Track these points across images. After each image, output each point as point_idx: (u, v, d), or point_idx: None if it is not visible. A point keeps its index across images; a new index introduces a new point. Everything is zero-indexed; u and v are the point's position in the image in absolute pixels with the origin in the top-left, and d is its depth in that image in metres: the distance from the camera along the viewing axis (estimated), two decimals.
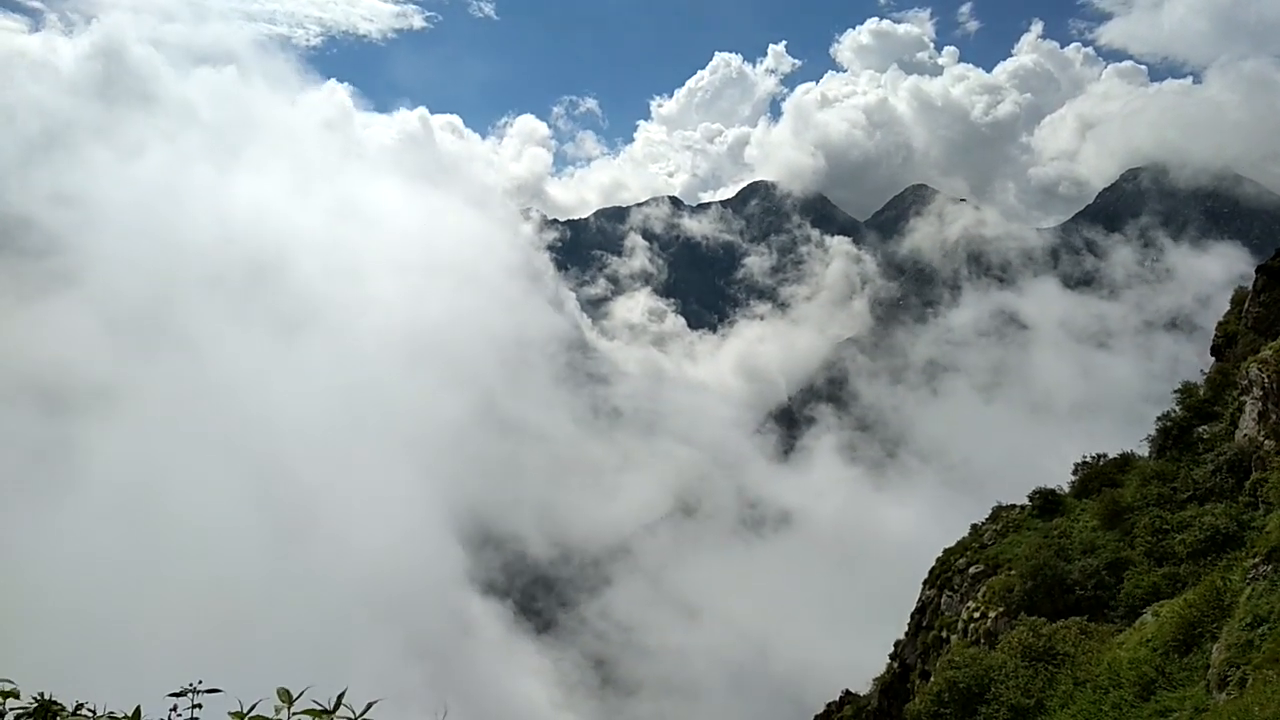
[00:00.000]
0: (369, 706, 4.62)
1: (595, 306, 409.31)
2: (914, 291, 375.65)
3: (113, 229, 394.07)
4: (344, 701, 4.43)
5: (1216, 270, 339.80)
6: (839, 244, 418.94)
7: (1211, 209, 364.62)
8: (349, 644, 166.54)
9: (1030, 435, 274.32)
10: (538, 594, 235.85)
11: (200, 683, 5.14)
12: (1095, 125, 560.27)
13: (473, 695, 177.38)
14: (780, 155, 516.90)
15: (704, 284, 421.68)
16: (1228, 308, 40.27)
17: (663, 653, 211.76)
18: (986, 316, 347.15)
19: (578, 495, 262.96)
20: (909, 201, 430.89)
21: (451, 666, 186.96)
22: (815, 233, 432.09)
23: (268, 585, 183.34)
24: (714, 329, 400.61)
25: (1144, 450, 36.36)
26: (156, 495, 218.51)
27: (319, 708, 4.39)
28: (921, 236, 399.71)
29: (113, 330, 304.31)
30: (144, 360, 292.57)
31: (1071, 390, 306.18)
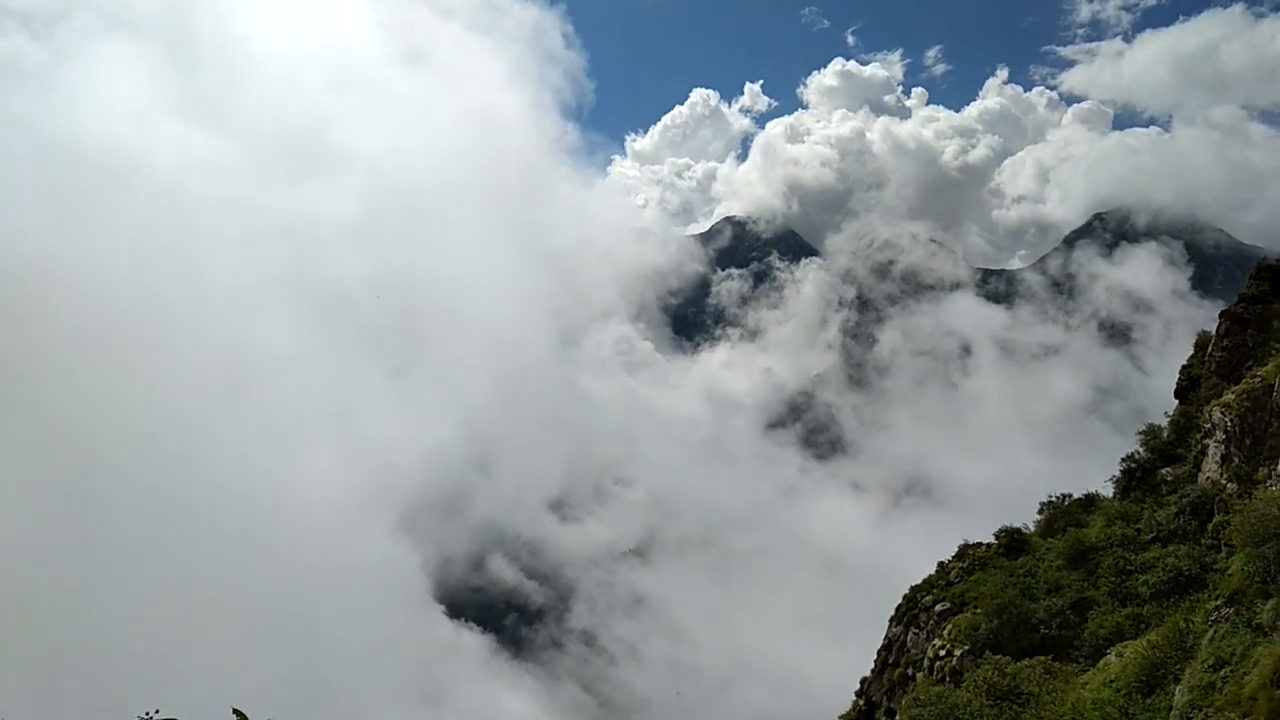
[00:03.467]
0: None
1: (566, 333, 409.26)
2: (882, 321, 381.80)
3: None
4: None
5: (1145, 280, 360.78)
6: (808, 274, 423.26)
7: (1175, 256, 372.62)
8: (328, 685, 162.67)
9: (1004, 452, 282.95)
10: (512, 620, 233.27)
11: (157, 712, 5.01)
12: (1060, 171, 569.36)
13: None
14: (750, 190, 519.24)
15: (675, 312, 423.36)
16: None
17: (646, 675, 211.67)
18: (953, 347, 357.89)
19: (548, 524, 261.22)
20: (878, 237, 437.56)
21: (438, 699, 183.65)
22: (785, 263, 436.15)
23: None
24: (685, 355, 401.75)
25: (1108, 490, 36.65)
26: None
27: None
28: (885, 269, 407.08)
29: None
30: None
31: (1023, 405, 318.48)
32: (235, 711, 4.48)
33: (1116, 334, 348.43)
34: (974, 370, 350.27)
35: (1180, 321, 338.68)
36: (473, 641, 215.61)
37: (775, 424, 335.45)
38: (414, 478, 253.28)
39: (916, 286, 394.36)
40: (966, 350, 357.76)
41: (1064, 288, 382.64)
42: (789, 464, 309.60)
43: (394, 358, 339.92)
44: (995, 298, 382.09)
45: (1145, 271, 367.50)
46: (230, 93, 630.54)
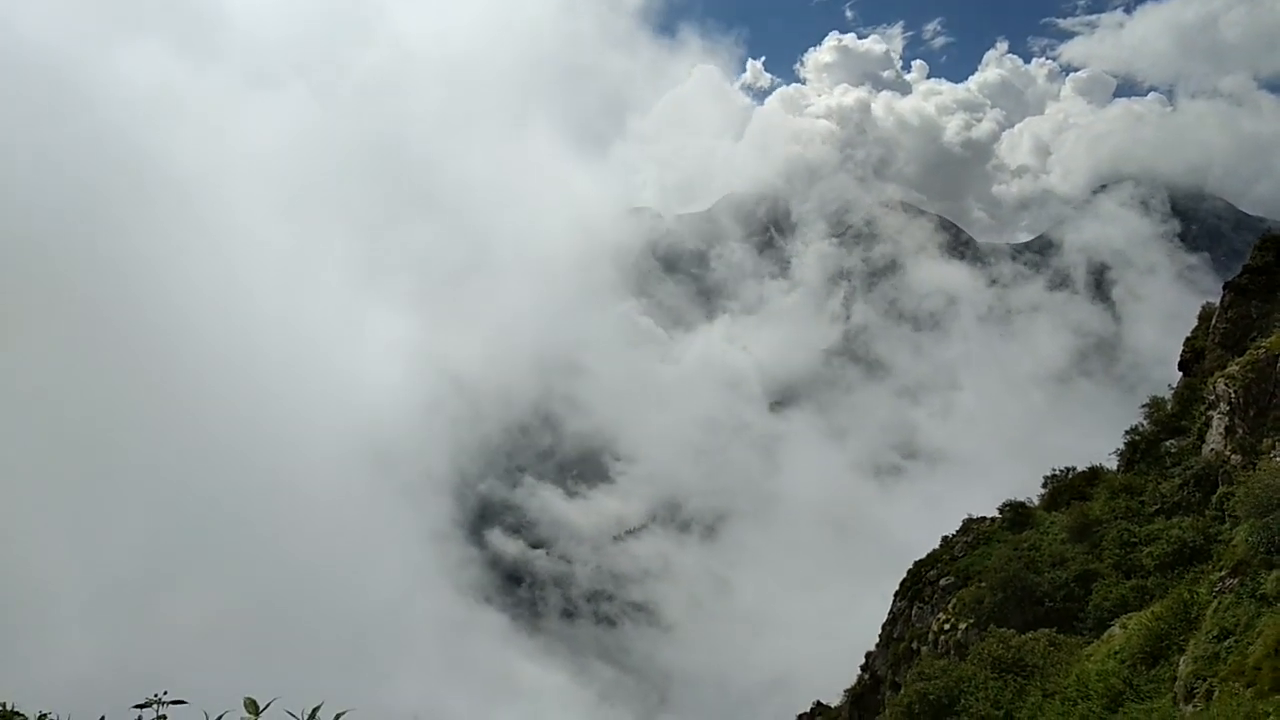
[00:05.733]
0: (337, 717, 4.47)
1: (567, 310, 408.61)
2: (866, 288, 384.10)
3: None
4: (318, 714, 4.29)
5: (1116, 230, 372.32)
6: (809, 247, 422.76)
7: (1179, 225, 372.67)
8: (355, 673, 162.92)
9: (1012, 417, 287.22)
10: (524, 595, 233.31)
11: (165, 693, 5.00)
12: (1062, 142, 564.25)
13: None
14: (750, 166, 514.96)
15: (675, 288, 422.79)
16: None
17: (672, 647, 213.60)
18: (939, 310, 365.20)
19: (551, 498, 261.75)
20: (879, 214, 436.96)
21: (464, 673, 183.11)
22: (784, 237, 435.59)
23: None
24: (686, 330, 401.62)
25: (1112, 463, 36.71)
26: None
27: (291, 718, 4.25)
28: (890, 245, 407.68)
29: None
30: None
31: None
32: (247, 701, 4.49)
33: (1096, 285, 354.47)
34: (959, 332, 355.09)
35: (1159, 267, 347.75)
36: (489, 616, 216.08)
37: (775, 395, 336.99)
38: (407, 445, 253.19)
39: (892, 250, 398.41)
40: (950, 313, 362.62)
41: (1037, 246, 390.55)
42: (789, 433, 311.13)
43: (387, 315, 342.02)
44: (972, 257, 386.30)
45: (1115, 222, 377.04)
46: None
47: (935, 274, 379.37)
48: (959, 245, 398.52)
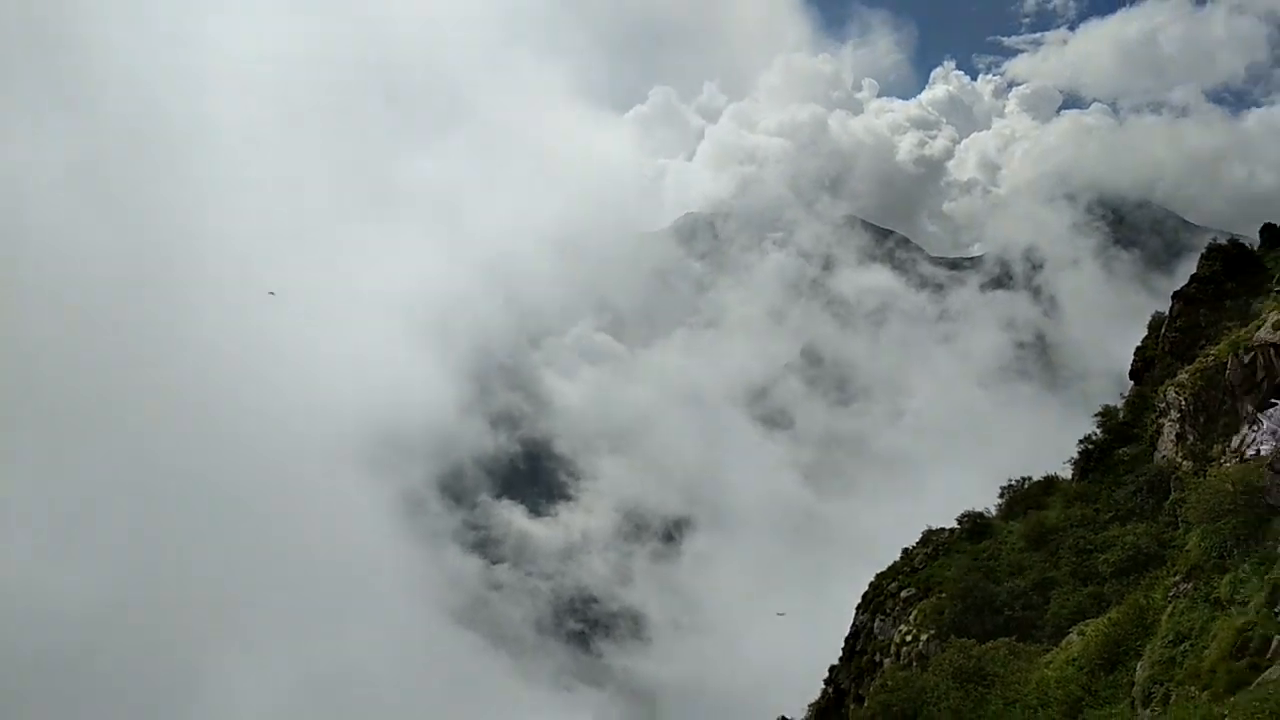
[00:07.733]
0: None
1: (525, 329, 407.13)
2: (840, 309, 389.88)
3: None
4: None
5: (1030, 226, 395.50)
6: (766, 262, 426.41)
7: (1126, 238, 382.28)
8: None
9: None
10: (493, 616, 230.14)
11: None
12: (1010, 156, 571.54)
13: None
14: (705, 184, 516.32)
15: (634, 305, 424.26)
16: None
17: (656, 662, 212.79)
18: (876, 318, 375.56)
19: (513, 517, 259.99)
20: (830, 228, 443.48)
21: (442, 699, 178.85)
22: (740, 253, 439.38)
23: None
24: (646, 347, 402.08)
25: (1067, 472, 37.06)
26: None
27: None
28: (842, 259, 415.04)
29: None
30: None
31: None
32: None
33: (1034, 288, 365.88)
34: (909, 339, 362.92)
35: (1092, 268, 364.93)
36: (460, 634, 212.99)
37: (735, 406, 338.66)
38: (367, 463, 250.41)
39: (844, 262, 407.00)
40: (900, 320, 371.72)
41: (981, 255, 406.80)
42: (748, 444, 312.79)
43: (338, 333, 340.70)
44: (919, 267, 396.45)
45: (1055, 228, 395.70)
46: None
47: (884, 284, 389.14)
48: (907, 257, 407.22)
